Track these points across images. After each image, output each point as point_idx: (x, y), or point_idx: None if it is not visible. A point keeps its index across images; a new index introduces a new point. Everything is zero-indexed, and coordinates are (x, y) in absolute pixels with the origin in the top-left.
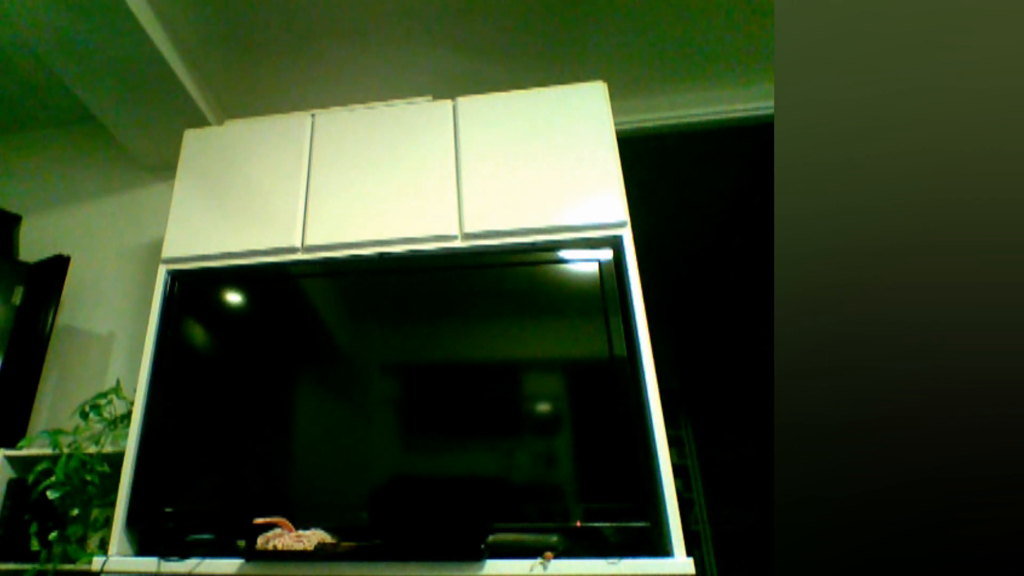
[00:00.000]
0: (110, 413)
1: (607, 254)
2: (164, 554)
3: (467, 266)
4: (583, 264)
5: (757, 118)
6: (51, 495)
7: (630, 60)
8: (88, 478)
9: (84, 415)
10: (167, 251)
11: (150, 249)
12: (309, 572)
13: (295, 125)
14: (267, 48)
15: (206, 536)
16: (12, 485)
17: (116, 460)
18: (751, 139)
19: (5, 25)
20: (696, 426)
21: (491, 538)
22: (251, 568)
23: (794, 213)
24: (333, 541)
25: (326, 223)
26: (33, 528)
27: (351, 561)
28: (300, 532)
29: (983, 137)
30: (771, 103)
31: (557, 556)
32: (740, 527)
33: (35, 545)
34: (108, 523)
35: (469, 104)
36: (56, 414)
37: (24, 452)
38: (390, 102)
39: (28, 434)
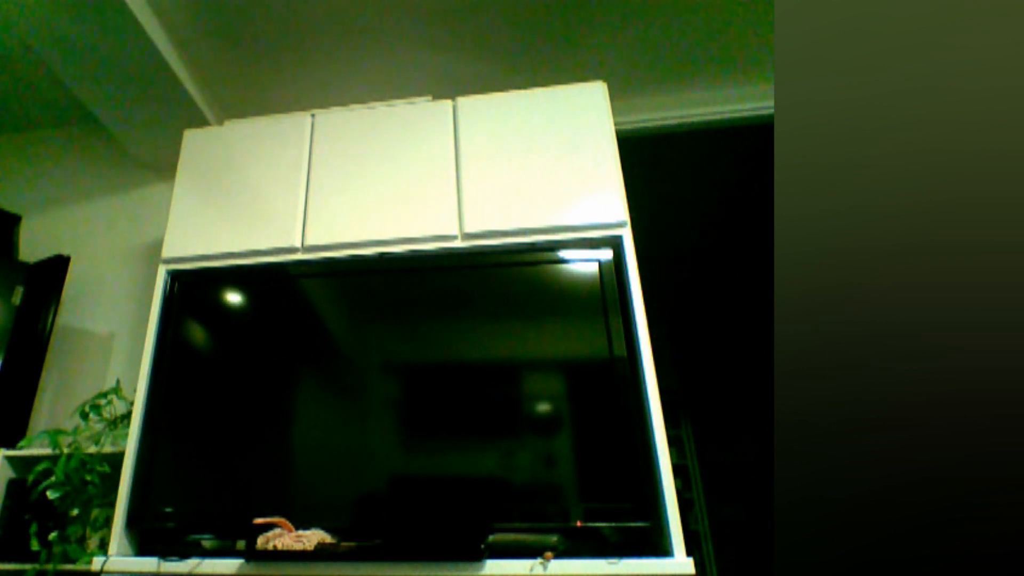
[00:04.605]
0: (110, 413)
1: (607, 254)
2: (164, 554)
3: (467, 266)
4: (583, 264)
5: (757, 118)
6: (51, 495)
7: (630, 60)
8: (88, 478)
9: (84, 415)
10: (167, 251)
11: (150, 249)
12: (309, 572)
13: (295, 125)
14: (267, 48)
15: (206, 536)
16: (12, 485)
17: (116, 460)
18: (751, 139)
19: (5, 25)
20: (696, 426)
21: (491, 538)
22: (251, 568)
23: (794, 213)
24: (333, 541)
25: (326, 223)
26: (33, 528)
27: (351, 561)
28: (300, 532)
29: (983, 137)
30: (771, 103)
31: (557, 556)
32: (740, 527)
33: (35, 545)
34: (108, 523)
35: (469, 104)
36: (56, 414)
37: (24, 452)
38: (390, 102)
39: (28, 434)
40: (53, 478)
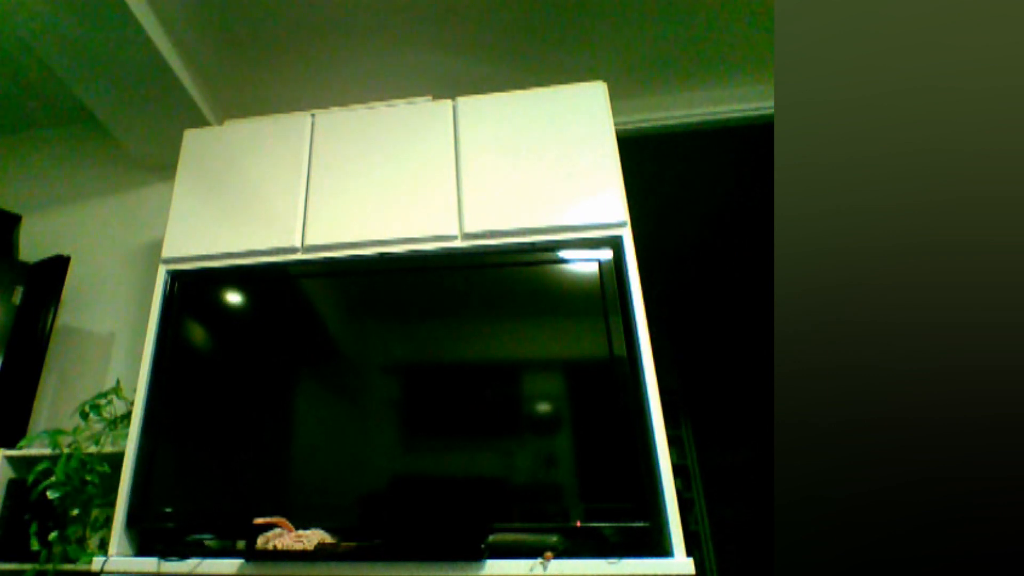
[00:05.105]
0: (110, 413)
1: (607, 254)
2: (164, 554)
3: (467, 266)
4: (583, 264)
5: (757, 118)
6: (51, 495)
7: (630, 60)
8: (88, 478)
9: (84, 415)
10: (167, 251)
11: (150, 249)
12: (309, 572)
13: (295, 125)
14: (267, 48)
15: (206, 536)
16: (12, 485)
17: (116, 460)
18: (751, 139)
19: (5, 25)
20: (696, 426)
21: (491, 538)
22: (251, 568)
23: (794, 213)
24: (333, 541)
25: (326, 223)
26: (33, 528)
27: (351, 561)
28: (300, 532)
29: (983, 137)
30: (771, 103)
31: (557, 556)
32: (740, 527)
33: (35, 545)
34: (108, 523)
35: (469, 104)
36: (56, 414)
37: (24, 452)
38: (390, 102)
39: (28, 434)
40: (53, 478)
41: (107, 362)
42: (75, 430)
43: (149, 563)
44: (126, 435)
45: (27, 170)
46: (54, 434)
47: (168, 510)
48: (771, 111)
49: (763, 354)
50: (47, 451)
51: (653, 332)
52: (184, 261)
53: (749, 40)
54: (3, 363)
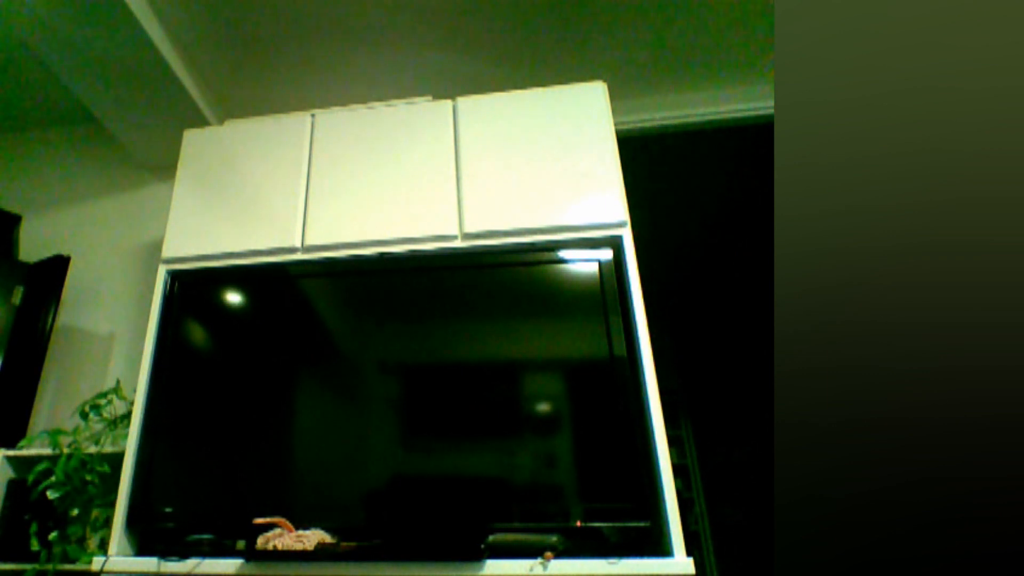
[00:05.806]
0: (110, 413)
1: (607, 254)
2: (164, 554)
3: (467, 266)
4: (583, 264)
5: (757, 118)
6: (51, 495)
7: (630, 60)
8: (88, 478)
9: (84, 415)
10: (167, 251)
11: (150, 249)
12: (309, 572)
13: (295, 125)
14: (267, 48)
15: (206, 536)
16: (12, 485)
17: (116, 460)
18: (751, 139)
19: (5, 25)
20: (696, 426)
21: (491, 538)
22: (251, 568)
23: (794, 213)
24: (333, 541)
25: (326, 223)
26: (33, 528)
27: (351, 561)
28: (300, 532)
29: (983, 137)
30: (771, 103)
31: (557, 556)
32: (740, 527)
33: (35, 545)
34: (108, 523)
35: (469, 104)
36: (56, 414)
37: (24, 452)
38: (390, 102)
39: (28, 434)
40: (53, 478)
41: (107, 362)
42: (75, 430)
43: (149, 563)
44: (126, 435)
45: (27, 170)
46: (54, 434)
47: (168, 510)
48: (771, 111)
49: (763, 354)
50: (47, 451)
51: (653, 332)
52: (184, 261)
53: (749, 40)
54: (3, 363)
